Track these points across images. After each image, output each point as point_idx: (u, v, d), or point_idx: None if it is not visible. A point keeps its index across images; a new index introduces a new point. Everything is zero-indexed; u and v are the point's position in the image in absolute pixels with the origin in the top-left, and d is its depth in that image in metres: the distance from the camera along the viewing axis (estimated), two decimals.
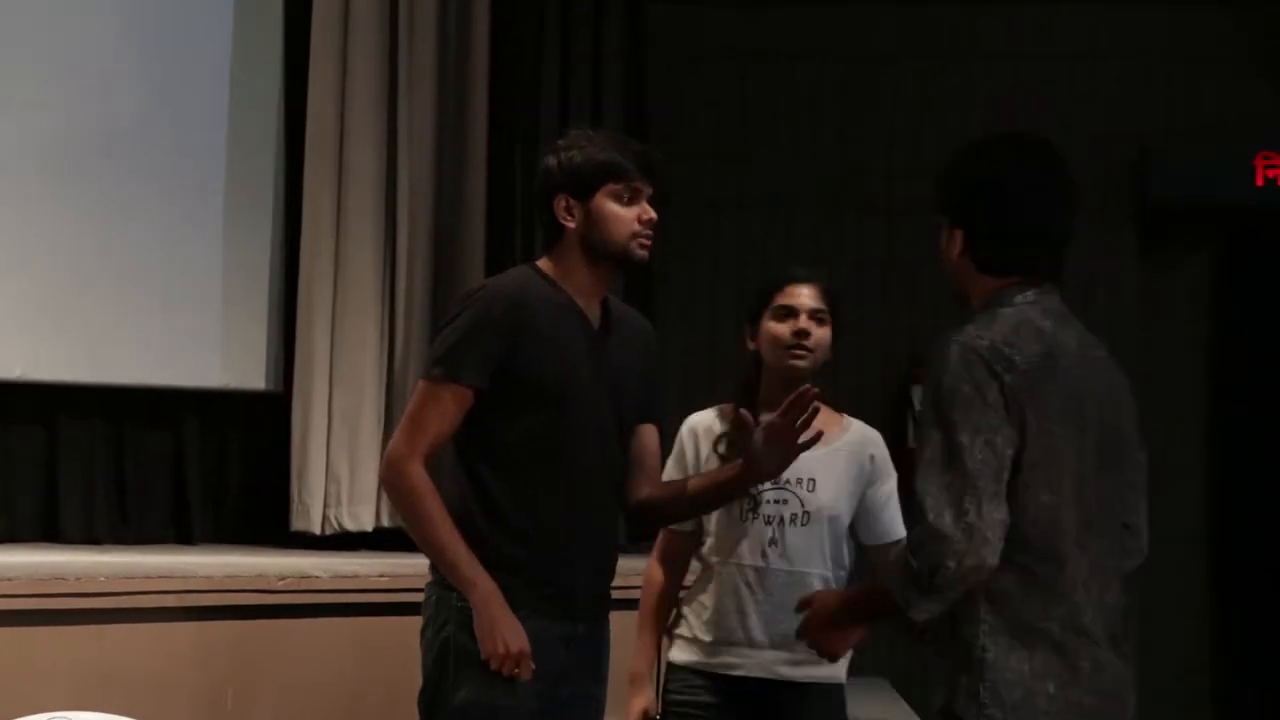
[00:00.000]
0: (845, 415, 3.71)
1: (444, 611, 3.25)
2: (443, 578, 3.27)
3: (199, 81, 5.99)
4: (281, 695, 4.47)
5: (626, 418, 3.38)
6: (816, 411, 3.27)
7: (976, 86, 6.86)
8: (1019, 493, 2.72)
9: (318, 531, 5.78)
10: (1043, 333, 2.80)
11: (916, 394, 6.68)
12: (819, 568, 3.60)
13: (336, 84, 5.97)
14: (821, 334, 3.62)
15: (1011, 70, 6.82)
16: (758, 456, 3.29)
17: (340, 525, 5.77)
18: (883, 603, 2.80)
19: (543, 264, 3.38)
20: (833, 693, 3.65)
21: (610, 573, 3.39)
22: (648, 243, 3.34)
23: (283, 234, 6.08)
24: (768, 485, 3.54)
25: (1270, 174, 6.64)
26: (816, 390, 3.27)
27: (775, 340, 3.61)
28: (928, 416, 2.75)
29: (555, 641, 3.26)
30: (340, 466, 5.82)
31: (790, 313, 3.61)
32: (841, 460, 3.64)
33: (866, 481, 3.68)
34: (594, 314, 3.36)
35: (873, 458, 3.69)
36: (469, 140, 6.14)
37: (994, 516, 2.66)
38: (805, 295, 3.63)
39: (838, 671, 3.63)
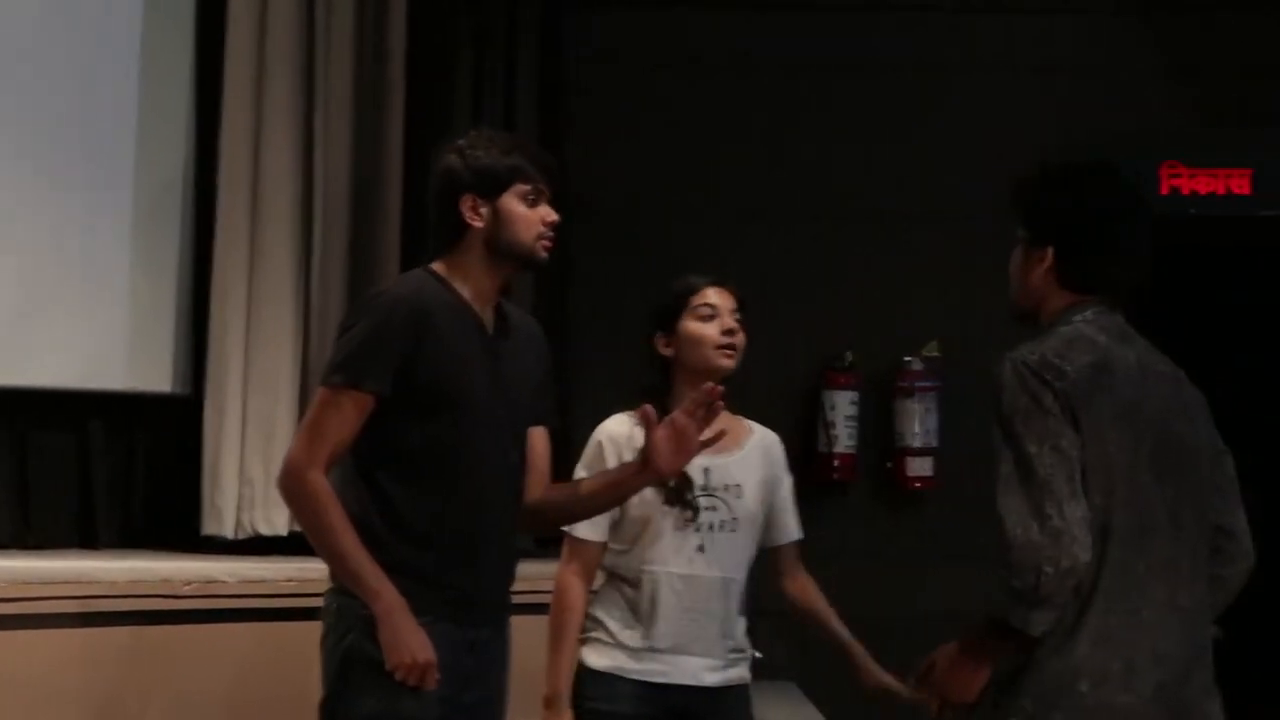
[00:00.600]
0: (742, 418, 3.74)
1: (346, 620, 3.23)
2: (341, 585, 3.25)
3: (108, 81, 5.91)
4: (185, 701, 4.44)
5: (522, 421, 3.39)
6: (718, 410, 3.29)
7: (889, 95, 6.90)
8: None
9: (230, 535, 5.73)
10: (1095, 345, 2.96)
11: (827, 399, 6.73)
12: (741, 573, 3.65)
13: (252, 86, 5.92)
14: (742, 336, 3.66)
15: (922, 80, 6.87)
16: (658, 454, 3.31)
17: (254, 529, 5.73)
18: (999, 633, 2.87)
19: (438, 267, 3.37)
20: (744, 693, 3.68)
21: (512, 576, 3.40)
22: (550, 244, 3.37)
23: (192, 235, 6.02)
24: (698, 492, 3.56)
25: (1174, 183, 6.74)
26: (721, 389, 3.30)
27: (701, 341, 3.63)
28: (997, 436, 2.87)
29: (459, 646, 3.26)
30: (254, 470, 5.78)
31: (714, 314, 3.64)
32: (755, 464, 3.70)
33: (774, 484, 3.72)
34: (489, 318, 3.38)
35: (777, 460, 3.75)
36: (385, 145, 6.12)
37: (1076, 515, 2.79)
38: (726, 297, 3.69)
39: (747, 673, 3.65)
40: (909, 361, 6.73)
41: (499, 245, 3.33)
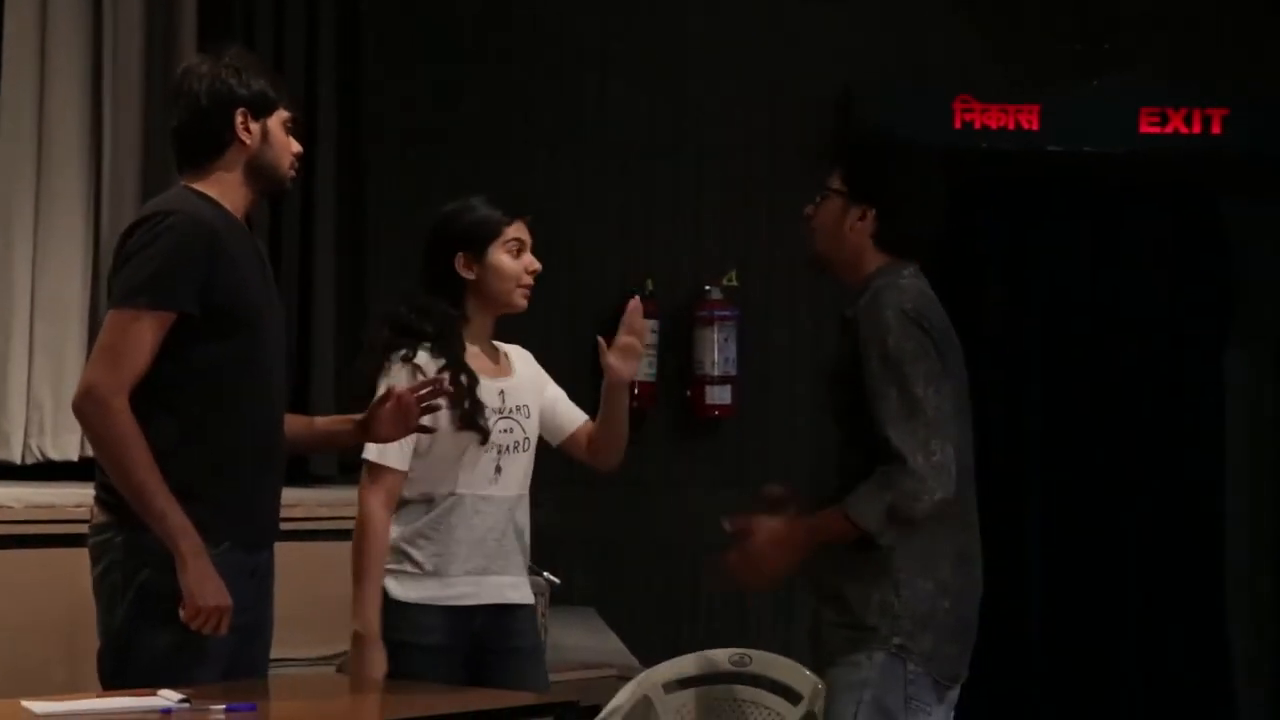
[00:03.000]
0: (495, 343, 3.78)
1: (139, 555, 3.18)
2: (127, 519, 3.19)
3: None
4: None
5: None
6: (445, 392, 3.43)
7: (688, 27, 6.91)
8: None
9: (18, 461, 5.60)
10: (934, 302, 3.28)
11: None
12: (527, 489, 3.70)
13: (36, 5, 5.73)
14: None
15: (719, 11, 6.90)
16: (378, 424, 3.44)
17: (43, 455, 5.60)
18: (840, 530, 3.16)
19: (198, 186, 3.34)
20: (530, 609, 3.76)
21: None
22: (295, 174, 3.45)
23: None
24: (498, 415, 3.60)
25: (967, 118, 6.88)
26: (450, 388, 3.44)
27: (508, 275, 3.67)
28: (878, 374, 3.14)
29: (244, 573, 3.26)
30: (43, 395, 5.64)
31: (523, 249, 3.68)
32: (529, 382, 3.76)
33: (542, 389, 3.80)
34: None
35: (538, 368, 3.83)
36: (178, 62, 5.96)
37: (951, 453, 3.14)
38: (527, 233, 3.74)
39: (530, 591, 3.76)
40: (709, 290, 6.79)
41: (259, 165, 3.37)
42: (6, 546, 4.43)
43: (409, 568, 3.60)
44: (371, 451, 3.58)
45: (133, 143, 5.86)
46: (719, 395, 6.74)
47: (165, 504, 3.15)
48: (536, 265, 3.71)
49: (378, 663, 3.51)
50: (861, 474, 3.15)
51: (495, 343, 3.78)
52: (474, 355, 3.67)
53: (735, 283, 6.79)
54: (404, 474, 3.61)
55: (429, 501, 3.61)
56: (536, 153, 6.83)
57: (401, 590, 3.59)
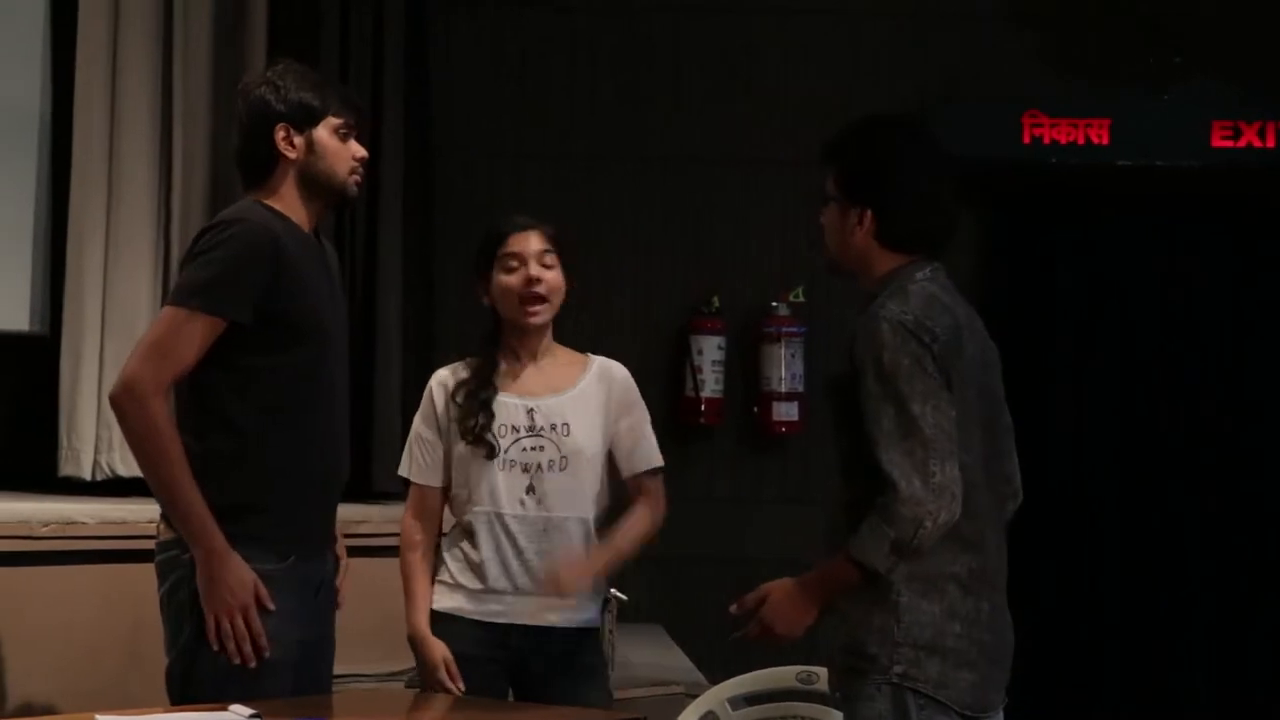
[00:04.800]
0: (588, 355, 3.73)
1: (178, 570, 3.19)
2: (172, 533, 3.21)
3: None
4: (47, 643, 4.37)
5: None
6: None
7: (756, 42, 6.92)
8: None
9: (88, 477, 5.64)
10: (945, 306, 3.05)
11: (694, 344, 6.76)
12: (580, 511, 3.64)
13: (109, 22, 5.78)
14: (553, 277, 3.62)
15: (790, 27, 6.89)
16: None
17: (112, 471, 5.64)
18: (847, 575, 2.97)
19: (264, 199, 3.34)
20: (592, 634, 3.69)
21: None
22: (360, 180, 3.37)
23: (49, 172, 5.88)
24: (522, 433, 3.56)
25: (1036, 133, 6.83)
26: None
27: (507, 293, 3.61)
28: (875, 392, 2.93)
29: (309, 587, 3.27)
30: (112, 412, 5.68)
31: (519, 262, 3.59)
32: (590, 400, 3.67)
33: (615, 416, 3.69)
34: None
35: (616, 391, 3.71)
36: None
37: (954, 473, 2.92)
38: (531, 241, 3.62)
39: (595, 617, 3.68)
40: (775, 307, 6.78)
41: (312, 177, 3.33)
42: (79, 562, 4.47)
43: (447, 578, 3.63)
44: (401, 466, 3.69)
45: (201, 160, 5.90)
46: (786, 412, 6.72)
47: (191, 503, 3.14)
48: (533, 275, 3.58)
49: (432, 658, 3.55)
50: (859, 499, 2.99)
51: (591, 356, 3.73)
52: (511, 372, 3.64)
53: (802, 299, 6.77)
54: (439, 490, 3.64)
55: (461, 519, 3.64)
56: (602, 167, 6.84)
57: (438, 599, 3.62)
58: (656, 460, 3.74)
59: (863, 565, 2.94)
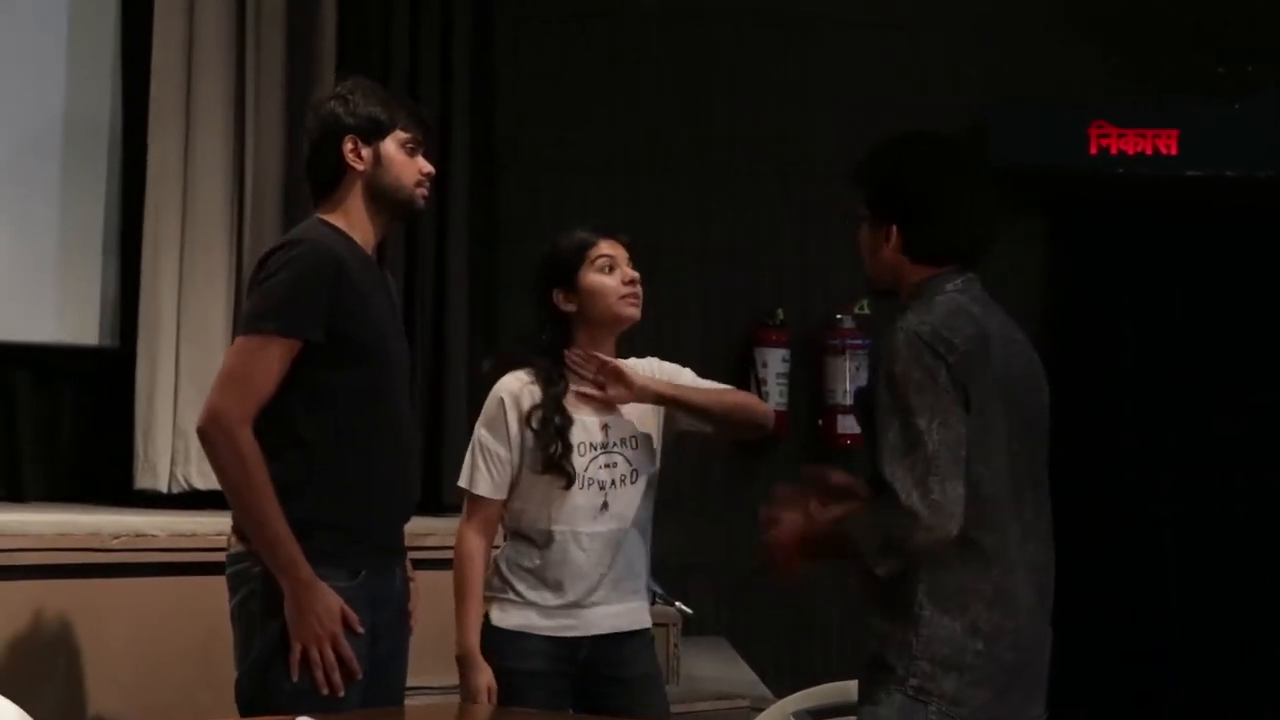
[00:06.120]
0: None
1: (277, 585, 3.22)
2: (250, 550, 3.23)
3: (35, 24, 5.81)
4: (118, 655, 4.41)
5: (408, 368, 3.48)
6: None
7: (813, 53, 6.91)
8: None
9: (164, 489, 5.68)
10: (974, 317, 3.02)
11: (758, 356, 6.76)
12: (644, 521, 3.67)
13: (183, 31, 5.84)
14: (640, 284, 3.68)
15: (848, 38, 6.88)
16: None
17: (188, 483, 5.68)
18: (847, 550, 2.99)
19: (329, 217, 3.37)
20: (648, 640, 3.72)
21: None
22: (427, 193, 3.38)
23: (120, 184, 5.95)
24: (598, 450, 3.57)
25: (1103, 143, 6.79)
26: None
27: (606, 292, 3.62)
28: (885, 403, 2.94)
29: (379, 601, 3.29)
30: (188, 423, 5.71)
31: (613, 264, 3.64)
32: (649, 410, 3.69)
33: (655, 413, 3.71)
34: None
35: (664, 372, 3.74)
36: (316, 92, 6.04)
37: (955, 492, 2.89)
38: (621, 248, 3.68)
39: (649, 619, 3.72)
40: (840, 319, 6.76)
41: (379, 189, 3.36)
42: (150, 574, 4.51)
43: (511, 595, 3.60)
44: (463, 479, 3.63)
45: (274, 171, 5.95)
46: (850, 424, 6.70)
47: (279, 534, 3.17)
48: (632, 274, 3.63)
49: (477, 684, 3.54)
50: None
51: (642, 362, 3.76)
52: (582, 388, 3.64)
53: (867, 311, 6.76)
54: (500, 502, 3.61)
55: (528, 536, 3.61)
56: (666, 180, 6.85)
57: (503, 617, 3.59)
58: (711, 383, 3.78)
59: (853, 542, 2.97)
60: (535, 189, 6.68)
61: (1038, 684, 3.07)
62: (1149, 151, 6.78)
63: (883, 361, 2.97)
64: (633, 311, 3.64)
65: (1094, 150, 6.76)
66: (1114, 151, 6.78)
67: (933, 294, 3.03)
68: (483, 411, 3.64)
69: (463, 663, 3.57)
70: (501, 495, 3.61)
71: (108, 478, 5.80)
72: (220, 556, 3.40)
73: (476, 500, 3.61)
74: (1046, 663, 3.10)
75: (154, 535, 4.57)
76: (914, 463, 2.88)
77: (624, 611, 3.63)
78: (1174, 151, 6.77)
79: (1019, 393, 3.06)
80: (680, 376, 3.75)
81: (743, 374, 6.76)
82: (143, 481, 5.69)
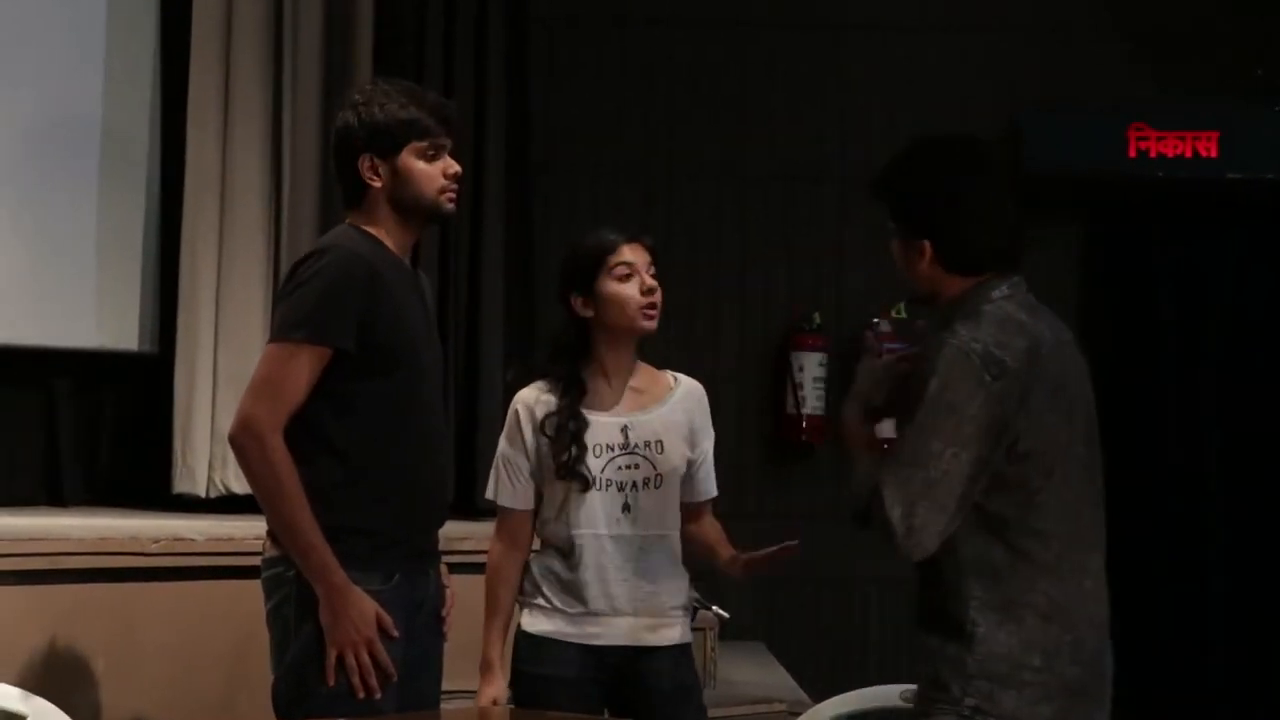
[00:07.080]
0: (667, 371, 3.72)
1: (312, 590, 3.22)
2: (284, 556, 3.24)
3: (73, 36, 5.86)
4: (156, 658, 4.43)
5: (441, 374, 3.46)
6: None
7: (848, 57, 6.90)
8: (1010, 482, 2.85)
9: (202, 494, 5.71)
10: (1023, 326, 2.91)
11: (795, 361, 6.74)
12: (669, 528, 3.63)
13: (220, 42, 5.87)
14: (661, 292, 3.62)
15: (882, 42, 6.87)
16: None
17: (226, 488, 5.70)
18: (857, 451, 3.03)
19: (360, 223, 3.36)
20: (686, 651, 3.67)
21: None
22: (455, 196, 3.35)
23: (159, 190, 5.98)
24: (617, 451, 3.55)
25: (1142, 146, 6.76)
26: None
27: (623, 302, 3.57)
28: (918, 410, 2.85)
29: (412, 605, 3.29)
30: (225, 428, 5.72)
31: (631, 272, 3.58)
32: (679, 417, 3.66)
33: (698, 438, 3.69)
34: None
35: (699, 413, 3.70)
36: None
37: (938, 525, 2.82)
38: (641, 253, 3.61)
39: (687, 633, 3.66)
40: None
41: (402, 202, 3.33)
42: (188, 578, 4.52)
43: (540, 601, 3.59)
44: (489, 491, 3.63)
45: (311, 176, 5.98)
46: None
47: (312, 540, 3.16)
48: (650, 284, 3.57)
49: (489, 692, 3.56)
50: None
51: (670, 373, 3.71)
52: (600, 392, 3.60)
53: (904, 315, 6.74)
54: (527, 512, 3.59)
55: (555, 540, 3.59)
56: (702, 184, 6.85)
57: (533, 623, 3.58)
58: (712, 490, 3.75)
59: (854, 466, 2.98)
60: (572, 191, 6.69)
61: (1102, 699, 2.96)
62: (1189, 154, 6.74)
63: (925, 371, 2.88)
64: (648, 324, 3.58)
65: (1133, 153, 6.73)
66: (1153, 154, 6.75)
67: (979, 304, 2.93)
68: (505, 423, 3.65)
69: (482, 669, 3.59)
70: (526, 505, 3.59)
71: (146, 482, 5.83)
72: (257, 560, 3.41)
73: (503, 511, 3.61)
74: (1110, 676, 2.98)
75: (192, 540, 4.59)
76: (912, 480, 2.81)
77: (651, 625, 3.58)
78: (1214, 154, 6.72)
79: (1074, 395, 2.96)
80: (703, 440, 3.71)
81: (780, 379, 6.75)
82: (181, 486, 5.72)
